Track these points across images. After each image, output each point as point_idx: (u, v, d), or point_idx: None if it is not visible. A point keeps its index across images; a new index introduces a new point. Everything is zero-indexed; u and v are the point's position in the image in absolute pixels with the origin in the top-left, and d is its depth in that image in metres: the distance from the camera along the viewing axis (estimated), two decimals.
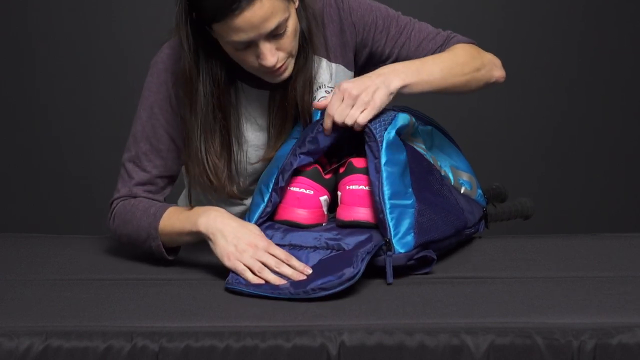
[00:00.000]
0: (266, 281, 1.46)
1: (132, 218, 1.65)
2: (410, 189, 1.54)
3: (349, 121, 1.55)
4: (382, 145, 1.53)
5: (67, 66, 3.42)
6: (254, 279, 1.47)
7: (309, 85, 1.68)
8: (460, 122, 2.98)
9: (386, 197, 1.51)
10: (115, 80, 3.39)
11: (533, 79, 3.48)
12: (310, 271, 1.46)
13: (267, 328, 1.24)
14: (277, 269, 1.47)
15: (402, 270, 1.50)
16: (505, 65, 1.77)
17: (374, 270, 1.49)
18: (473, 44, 1.76)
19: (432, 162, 1.66)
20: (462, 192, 1.69)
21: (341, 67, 1.74)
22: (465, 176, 1.73)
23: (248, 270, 1.48)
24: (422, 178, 1.59)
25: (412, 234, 1.50)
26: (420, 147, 1.65)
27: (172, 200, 2.06)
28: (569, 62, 3.49)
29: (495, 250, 1.69)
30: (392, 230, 1.49)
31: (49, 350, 1.22)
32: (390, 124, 1.55)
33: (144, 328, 1.25)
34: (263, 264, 1.48)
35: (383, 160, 1.52)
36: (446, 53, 1.69)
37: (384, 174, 1.52)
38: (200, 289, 1.46)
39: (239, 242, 1.52)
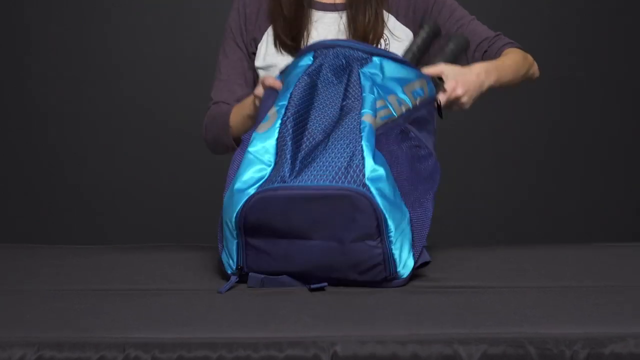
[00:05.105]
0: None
1: (217, 116, 1.96)
2: (401, 201, 1.49)
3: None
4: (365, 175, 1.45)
5: (65, 73, 3.42)
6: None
7: None
8: (453, 129, 2.99)
9: (392, 230, 1.46)
10: (113, 89, 3.40)
11: (527, 85, 3.48)
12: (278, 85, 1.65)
13: (260, 339, 1.24)
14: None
15: None
16: None
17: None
18: (519, 47, 1.99)
19: (396, 114, 1.58)
20: (417, 103, 1.63)
21: (399, 24, 1.96)
22: (417, 84, 1.66)
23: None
24: (400, 169, 1.53)
25: (412, 255, 1.49)
26: (391, 105, 1.58)
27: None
28: (563, 69, 3.50)
29: (488, 259, 1.69)
30: (397, 261, 1.47)
31: None
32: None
33: (137, 339, 1.25)
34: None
35: (374, 191, 1.44)
36: (511, 58, 1.95)
37: (384, 211, 1.44)
38: (193, 300, 1.46)
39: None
